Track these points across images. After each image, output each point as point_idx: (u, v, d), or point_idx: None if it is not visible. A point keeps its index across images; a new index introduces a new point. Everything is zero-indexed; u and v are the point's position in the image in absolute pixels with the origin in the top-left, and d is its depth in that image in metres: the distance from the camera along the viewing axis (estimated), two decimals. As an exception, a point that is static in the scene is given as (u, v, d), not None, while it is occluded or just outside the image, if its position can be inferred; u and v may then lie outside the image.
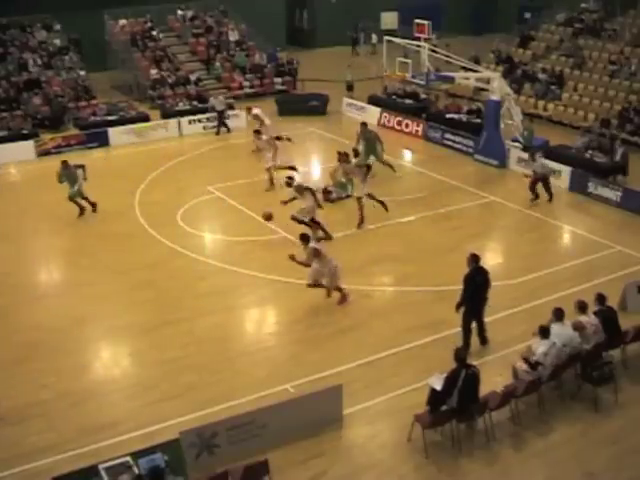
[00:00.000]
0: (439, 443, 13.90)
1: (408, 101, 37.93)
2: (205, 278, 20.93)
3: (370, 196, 23.40)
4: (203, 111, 37.49)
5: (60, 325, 18.59)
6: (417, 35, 31.93)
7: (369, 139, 28.17)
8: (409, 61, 31.10)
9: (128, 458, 12.33)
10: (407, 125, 34.73)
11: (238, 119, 36.99)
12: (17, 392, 15.83)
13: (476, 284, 16.25)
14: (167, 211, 25.26)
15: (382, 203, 23.63)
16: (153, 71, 42.14)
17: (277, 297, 19.84)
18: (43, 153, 33.08)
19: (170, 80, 41.53)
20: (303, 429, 13.85)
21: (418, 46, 30.18)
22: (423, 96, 38.26)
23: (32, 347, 17.61)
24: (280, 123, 35.97)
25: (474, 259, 16.35)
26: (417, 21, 31.95)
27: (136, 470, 11.91)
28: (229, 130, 35.96)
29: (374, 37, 54.00)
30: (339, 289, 19.12)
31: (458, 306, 16.40)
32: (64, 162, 25.20)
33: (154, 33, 45.89)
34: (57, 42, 43.40)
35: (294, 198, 22.64)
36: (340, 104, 39.09)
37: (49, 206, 26.00)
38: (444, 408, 13.71)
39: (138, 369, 16.86)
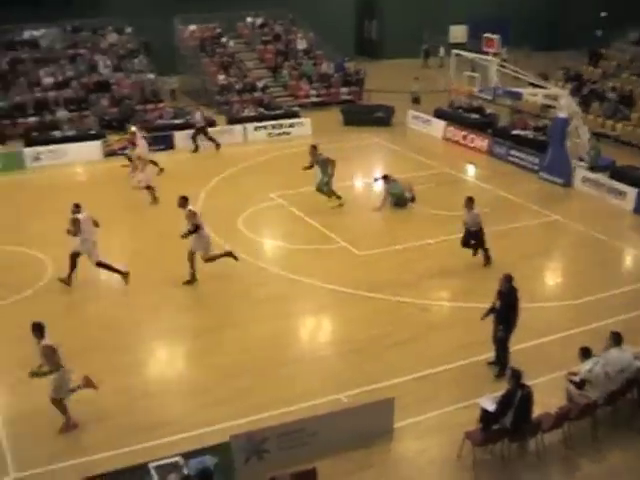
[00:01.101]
0: (488, 462, 13.78)
1: (474, 116, 37.69)
2: (263, 284, 21.04)
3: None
4: (269, 118, 37.76)
5: (121, 323, 18.84)
6: (486, 49, 31.71)
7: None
8: (477, 75, 30.96)
9: (178, 458, 12.45)
10: (472, 140, 34.55)
11: (303, 127, 37.24)
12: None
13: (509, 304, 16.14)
14: (228, 216, 25.44)
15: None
16: (221, 77, 42.55)
17: (335, 306, 19.87)
18: (110, 154, 33.57)
19: (237, 86, 41.88)
20: (353, 440, 13.84)
21: (486, 60, 29.99)
22: (489, 111, 38.03)
23: (91, 343, 17.89)
24: (345, 133, 36.16)
25: (508, 280, 16.16)
26: (486, 35, 31.74)
27: (185, 471, 12.02)
28: (218, 145, 34.87)
29: (442, 50, 53.83)
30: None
31: (486, 314, 16.40)
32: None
33: (223, 39, 46.38)
34: (128, 45, 44.08)
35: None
36: (405, 116, 39.00)
37: (114, 206, 26.35)
38: (496, 427, 13.61)
39: (193, 371, 17.05)
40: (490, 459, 13.82)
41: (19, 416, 15.19)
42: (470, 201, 21.45)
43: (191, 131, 34.93)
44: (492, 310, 16.27)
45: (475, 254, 21.63)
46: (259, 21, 48.33)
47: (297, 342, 18.52)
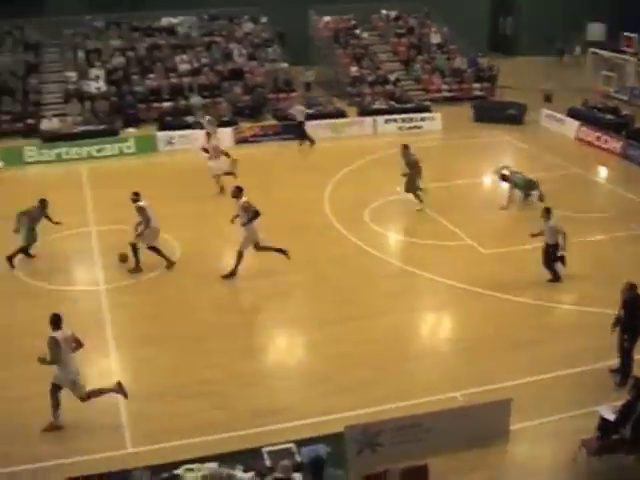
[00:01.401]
0: (604, 472, 13.42)
1: (609, 116, 36.66)
2: (387, 278, 21.04)
3: None
4: (399, 111, 37.68)
5: (241, 308, 19.16)
6: (624, 48, 30.84)
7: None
8: (614, 75, 30.14)
9: (292, 445, 12.58)
10: (606, 141, 33.60)
11: (433, 121, 37.03)
12: (192, 368, 16.48)
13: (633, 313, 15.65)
14: (355, 208, 25.52)
15: None
16: (353, 68, 42.66)
17: (456, 303, 19.69)
18: (241, 141, 34.12)
19: (369, 78, 41.92)
20: (468, 439, 13.69)
21: (624, 60, 29.16)
22: (625, 112, 36.96)
23: (210, 326, 18.30)
24: (475, 129, 35.78)
25: (631, 288, 15.65)
26: (625, 34, 30.89)
27: (298, 458, 12.14)
28: (312, 142, 34.52)
29: (577, 48, 52.55)
30: None
31: (614, 325, 15.90)
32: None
33: (357, 31, 46.46)
34: (263, 34, 44.61)
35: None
36: (537, 114, 38.25)
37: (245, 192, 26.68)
38: (614, 437, 13.26)
39: (312, 359, 17.18)
40: (605, 469, 13.46)
41: (139, 392, 15.57)
42: (547, 212, 20.35)
43: (318, 122, 35.21)
44: (618, 321, 15.85)
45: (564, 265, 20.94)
46: (393, 14, 48.24)
47: (418, 337, 18.48)
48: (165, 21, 44.29)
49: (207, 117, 32.14)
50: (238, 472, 11.92)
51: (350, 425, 13.07)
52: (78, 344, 14.72)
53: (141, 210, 20.85)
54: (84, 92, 38.03)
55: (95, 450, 13.79)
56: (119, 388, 14.88)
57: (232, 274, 20.74)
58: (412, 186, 25.69)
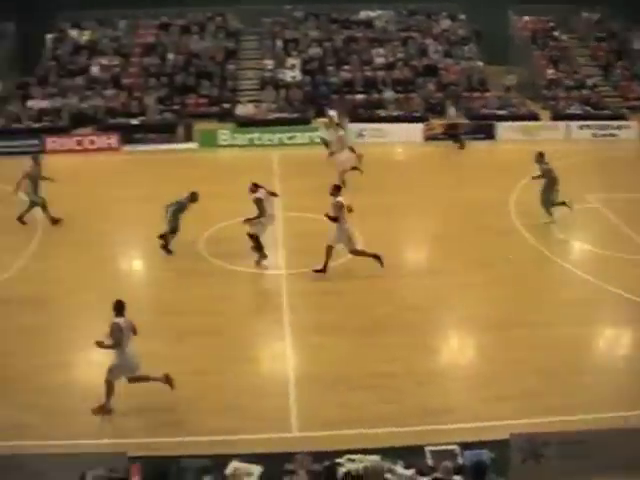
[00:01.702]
0: None
1: None
2: (568, 287, 20.57)
3: None
4: (594, 118, 36.65)
5: (416, 305, 19.20)
6: None
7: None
8: None
9: (455, 447, 12.55)
10: None
11: (630, 130, 35.83)
12: (365, 360, 16.61)
13: None
14: (539, 213, 25.02)
15: None
16: (550, 71, 41.73)
17: (638, 320, 19.01)
18: (430, 137, 34.10)
19: (566, 82, 40.92)
20: (636, 464, 13.23)
21: None
22: None
23: (387, 321, 18.38)
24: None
25: None
26: None
27: (460, 460, 12.10)
28: (462, 146, 33.92)
29: None
30: None
31: None
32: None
33: (556, 33, 45.38)
34: (459, 32, 44.31)
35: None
36: None
37: (431, 189, 26.90)
38: None
39: (482, 362, 16.99)
40: None
41: (309, 379, 15.93)
42: None
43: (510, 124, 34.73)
44: None
45: None
46: (595, 17, 46.83)
47: (594, 351, 17.91)
48: (363, 14, 44.66)
49: (332, 111, 32.57)
50: (399, 468, 12.00)
51: (516, 433, 12.89)
52: (134, 331, 15.01)
53: (258, 201, 21.11)
54: (279, 80, 38.98)
55: (262, 430, 14.19)
56: (166, 380, 15.14)
57: (323, 269, 20.64)
58: (543, 197, 24.50)
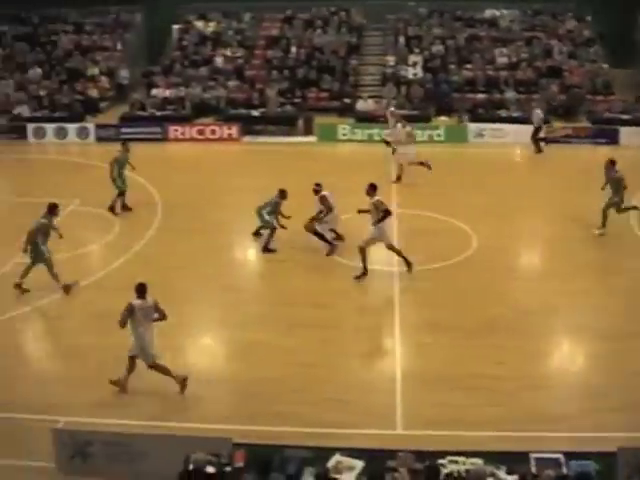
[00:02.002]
0: None
1: None
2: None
3: None
4: None
5: (529, 308, 18.93)
6: None
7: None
8: None
9: (560, 456, 12.37)
10: None
11: None
12: (471, 361, 16.51)
13: None
14: None
15: None
16: (678, 75, 40.59)
17: None
18: (551, 140, 33.52)
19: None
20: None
21: None
22: None
23: (498, 323, 18.20)
24: None
25: None
26: None
27: (564, 470, 11.92)
28: (539, 150, 32.89)
29: None
30: None
31: None
32: None
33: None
34: (585, 33, 43.38)
35: None
36: None
37: (547, 192, 26.67)
38: None
39: (594, 372, 16.60)
40: None
41: (416, 377, 15.94)
42: None
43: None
44: None
45: None
46: None
47: None
48: (488, 13, 44.19)
49: (392, 107, 32.78)
50: (502, 473, 11.89)
51: (623, 447, 12.63)
52: (161, 315, 15.37)
53: (323, 199, 21.37)
54: (401, 77, 39.01)
55: (366, 425, 14.27)
56: (182, 383, 15.35)
57: (364, 274, 20.46)
58: (609, 204, 23.48)
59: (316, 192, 21.82)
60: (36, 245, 19.45)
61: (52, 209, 19.97)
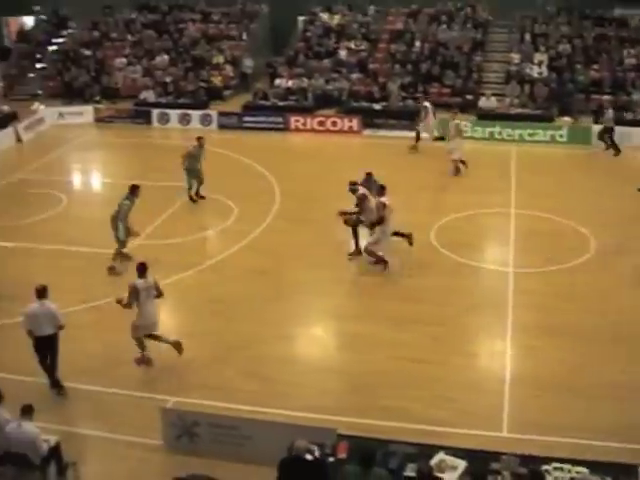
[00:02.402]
0: None
1: None
2: None
3: None
4: None
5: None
6: None
7: None
8: None
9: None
10: None
11: None
12: (588, 369, 16.09)
13: None
14: None
15: None
16: None
17: None
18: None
19: None
20: None
21: None
22: None
23: (617, 330, 17.57)
24: None
25: None
26: None
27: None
28: (618, 151, 31.48)
29: None
30: None
31: None
32: None
33: None
34: None
35: None
36: None
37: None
38: None
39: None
40: None
41: (525, 380, 15.73)
42: None
43: None
44: None
45: None
46: None
47: None
48: (618, 12, 43.01)
49: (427, 102, 32.38)
50: (607, 484, 11.68)
51: None
52: (159, 293, 16.01)
53: (363, 198, 20.91)
54: (525, 75, 38.32)
55: (472, 426, 14.21)
56: (176, 346, 16.29)
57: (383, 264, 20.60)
58: None
59: (353, 191, 21.35)
60: (118, 225, 20.46)
61: (133, 190, 20.87)
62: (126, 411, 14.88)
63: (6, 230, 23.40)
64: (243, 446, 13.29)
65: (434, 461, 11.78)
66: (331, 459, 11.95)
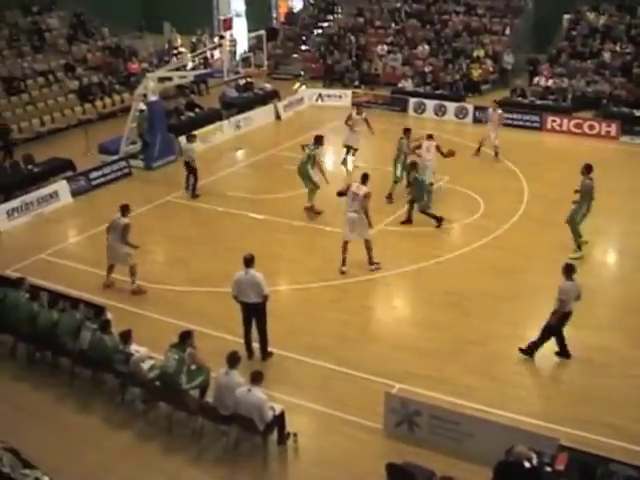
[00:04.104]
0: None
1: None
2: None
3: None
4: None
5: None
6: None
7: None
8: None
9: None
10: None
11: None
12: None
13: None
14: None
15: None
16: None
17: None
18: None
19: None
20: None
21: None
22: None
23: None
24: None
25: None
26: None
27: None
28: None
29: None
30: None
31: None
32: None
33: None
34: None
35: None
36: None
37: None
38: None
39: None
40: None
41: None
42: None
43: None
44: None
45: None
46: None
47: None
48: None
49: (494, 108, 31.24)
50: None
51: None
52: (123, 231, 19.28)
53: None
54: None
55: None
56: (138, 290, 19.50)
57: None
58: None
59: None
60: (306, 173, 23.62)
61: (318, 139, 23.90)
62: (351, 391, 15.50)
63: (257, 203, 24.83)
64: (462, 442, 13.54)
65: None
66: (548, 469, 11.96)
